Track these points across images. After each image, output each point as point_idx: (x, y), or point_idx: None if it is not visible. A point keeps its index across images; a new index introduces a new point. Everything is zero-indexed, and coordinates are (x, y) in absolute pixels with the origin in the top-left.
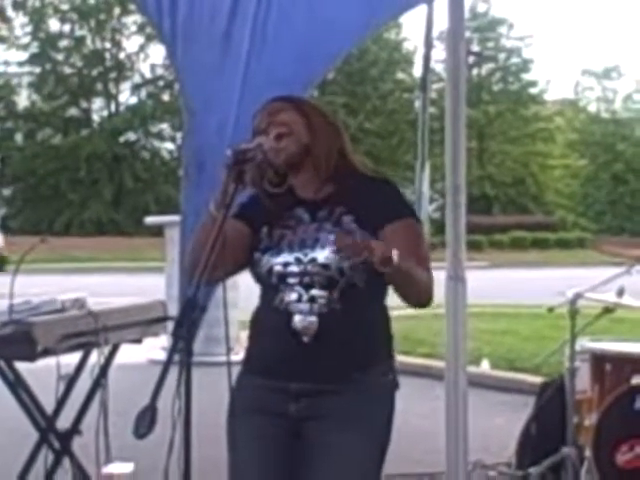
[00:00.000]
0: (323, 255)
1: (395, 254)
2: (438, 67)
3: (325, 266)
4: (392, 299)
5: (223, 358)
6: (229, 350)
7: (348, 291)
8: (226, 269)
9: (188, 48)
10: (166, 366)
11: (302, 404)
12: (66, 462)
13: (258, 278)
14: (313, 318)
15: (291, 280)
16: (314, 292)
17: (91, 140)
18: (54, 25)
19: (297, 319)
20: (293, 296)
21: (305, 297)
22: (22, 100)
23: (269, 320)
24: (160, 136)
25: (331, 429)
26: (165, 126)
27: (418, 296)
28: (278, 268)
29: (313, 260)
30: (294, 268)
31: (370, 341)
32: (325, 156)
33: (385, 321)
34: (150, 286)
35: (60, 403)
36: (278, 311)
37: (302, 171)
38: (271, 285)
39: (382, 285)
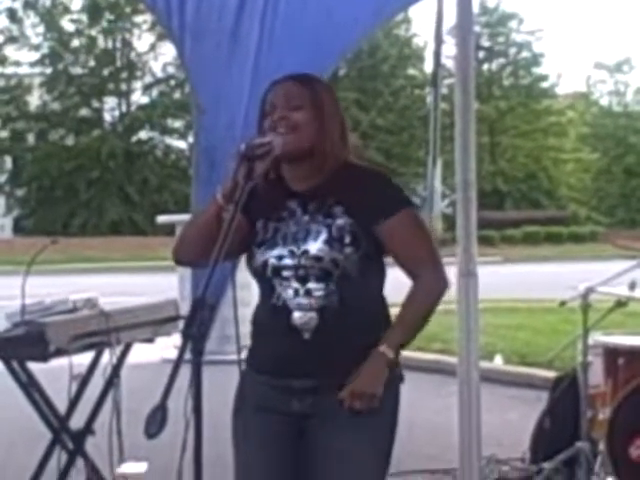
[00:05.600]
0: (315, 247)
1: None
2: (449, 63)
3: (318, 258)
4: (402, 297)
5: (236, 357)
6: (239, 349)
7: (343, 283)
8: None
9: (196, 46)
10: (176, 366)
11: (306, 402)
12: (79, 462)
13: (254, 272)
14: (312, 314)
15: (286, 273)
16: (310, 285)
17: (104, 140)
18: (65, 25)
19: (296, 316)
20: (290, 292)
21: (302, 291)
22: (34, 100)
23: (268, 318)
24: (173, 135)
25: (335, 428)
26: (178, 125)
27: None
28: (272, 261)
29: (305, 252)
30: (288, 261)
31: (369, 335)
32: (329, 156)
33: (384, 313)
34: (163, 285)
35: (73, 403)
36: (276, 308)
37: (297, 164)
38: (266, 279)
39: (378, 274)
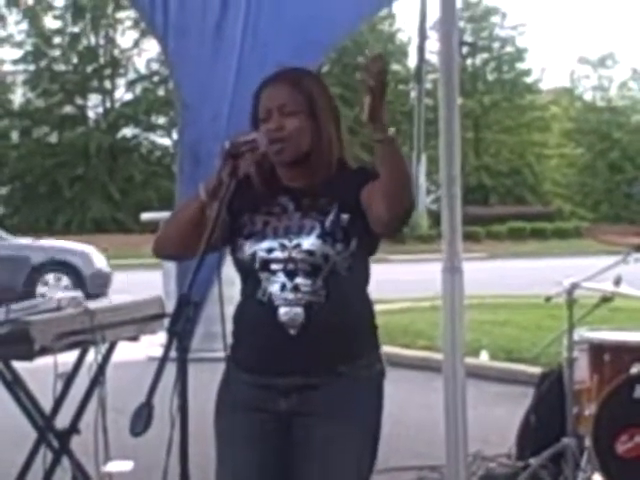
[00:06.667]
0: (308, 242)
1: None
2: (433, 58)
3: (310, 252)
4: (388, 294)
5: (222, 354)
6: (226, 345)
7: (331, 279)
8: (195, 250)
9: (180, 42)
10: (161, 363)
11: (292, 400)
12: (65, 461)
13: (240, 264)
14: (298, 309)
15: (274, 266)
16: (298, 280)
17: (89, 137)
18: (48, 22)
19: (282, 311)
20: (276, 286)
21: (289, 286)
22: (17, 98)
23: (253, 314)
24: (157, 132)
25: (320, 425)
26: (162, 121)
27: (405, 192)
28: (262, 254)
29: (298, 246)
30: (278, 254)
31: (356, 332)
32: (325, 157)
33: (369, 311)
34: (148, 282)
35: (58, 402)
36: (262, 304)
37: (294, 167)
38: (253, 272)
39: (364, 272)
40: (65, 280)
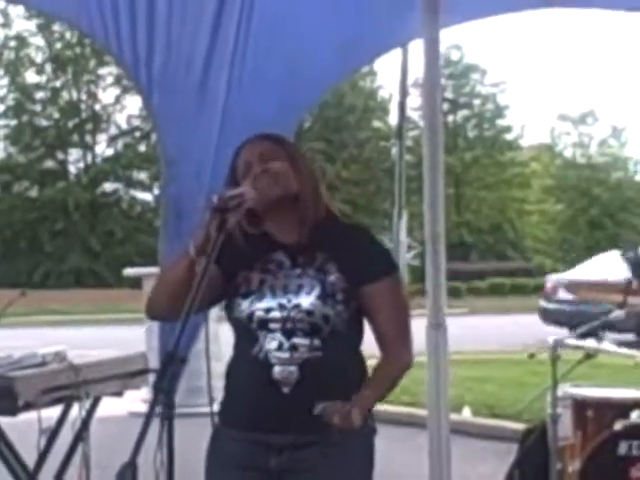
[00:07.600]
0: (308, 301)
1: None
2: (414, 115)
3: (309, 312)
4: (370, 349)
5: (205, 409)
6: (212, 401)
7: (330, 338)
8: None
9: (164, 97)
10: (147, 420)
11: (284, 457)
12: None
13: (236, 323)
14: (293, 368)
15: (272, 326)
16: (296, 340)
17: (69, 192)
18: (30, 77)
19: (277, 370)
20: (273, 344)
21: (286, 345)
22: None
23: (247, 370)
24: (138, 187)
25: None
26: (143, 177)
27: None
28: (260, 314)
29: (297, 306)
30: (276, 314)
31: (348, 391)
32: (313, 204)
33: (362, 367)
34: (130, 338)
35: (42, 457)
36: (257, 360)
37: (282, 216)
38: (250, 331)
39: (359, 331)
40: None
